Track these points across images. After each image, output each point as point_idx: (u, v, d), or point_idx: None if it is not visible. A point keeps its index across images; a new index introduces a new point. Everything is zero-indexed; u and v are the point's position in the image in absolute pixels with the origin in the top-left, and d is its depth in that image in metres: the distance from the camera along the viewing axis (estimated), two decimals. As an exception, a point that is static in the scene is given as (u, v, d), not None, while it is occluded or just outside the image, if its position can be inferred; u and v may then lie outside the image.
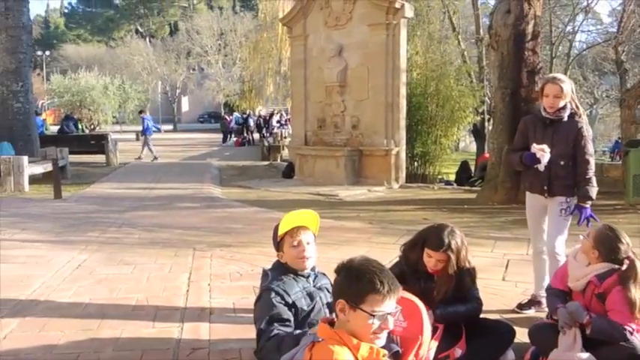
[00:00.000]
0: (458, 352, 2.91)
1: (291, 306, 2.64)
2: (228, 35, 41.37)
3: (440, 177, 14.94)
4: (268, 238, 6.50)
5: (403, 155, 12.29)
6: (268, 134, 26.04)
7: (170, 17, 58.54)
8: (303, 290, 2.72)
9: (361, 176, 12.18)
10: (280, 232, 2.74)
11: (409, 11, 12.08)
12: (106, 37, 57.83)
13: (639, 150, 8.74)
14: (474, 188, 11.54)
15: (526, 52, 9.20)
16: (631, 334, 2.82)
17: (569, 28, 23.51)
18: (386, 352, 2.06)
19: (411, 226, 7.02)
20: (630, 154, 8.77)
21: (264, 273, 2.85)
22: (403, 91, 12.05)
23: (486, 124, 19.51)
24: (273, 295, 2.62)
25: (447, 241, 2.99)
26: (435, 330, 2.84)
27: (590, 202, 3.79)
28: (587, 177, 3.78)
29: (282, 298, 2.62)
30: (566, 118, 3.83)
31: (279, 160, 19.04)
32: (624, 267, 2.96)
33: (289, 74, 19.44)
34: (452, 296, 3.04)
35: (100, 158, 17.56)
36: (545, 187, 3.89)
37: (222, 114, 38.37)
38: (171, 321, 3.90)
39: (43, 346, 3.47)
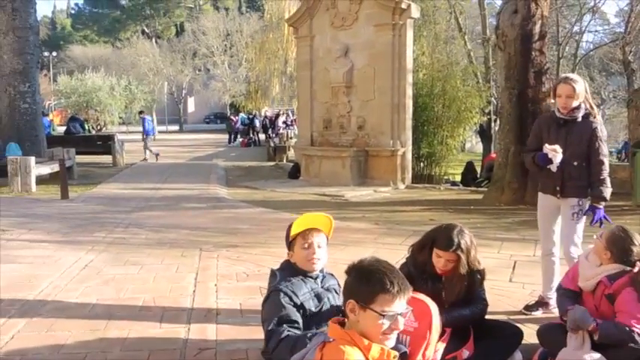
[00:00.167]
0: (465, 353, 2.90)
1: (299, 307, 2.63)
2: (234, 36, 41.42)
3: (446, 178, 14.89)
4: (275, 239, 6.55)
5: (409, 156, 12.28)
6: (274, 135, 26.05)
7: (176, 18, 58.64)
8: (311, 291, 2.71)
9: (367, 177, 12.17)
10: (293, 232, 2.73)
11: (415, 12, 12.07)
12: (113, 38, 57.94)
13: (647, 151, 8.70)
14: (480, 189, 11.51)
15: (533, 53, 9.17)
16: (639, 335, 2.81)
17: (576, 28, 23.45)
18: (397, 353, 2.06)
19: (418, 226, 7.01)
20: (638, 155, 8.73)
21: (272, 273, 2.84)
22: (409, 91, 12.04)
23: (493, 124, 19.49)
24: (281, 295, 2.61)
25: (456, 240, 2.97)
26: (442, 332, 2.83)
27: (603, 203, 3.75)
28: (601, 178, 3.74)
29: (291, 299, 2.62)
30: (580, 119, 3.79)
31: (285, 160, 19.05)
32: (636, 269, 2.95)
33: (295, 75, 19.49)
34: (460, 298, 3.03)
35: (106, 159, 17.63)
36: (558, 188, 3.86)
37: (228, 115, 38.38)
38: (178, 321, 3.90)
39: (50, 346, 3.48)
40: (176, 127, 46.71)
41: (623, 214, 7.93)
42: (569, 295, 3.17)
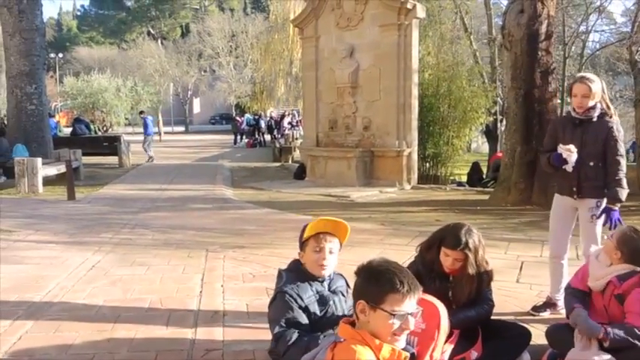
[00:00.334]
0: (474, 354, 2.89)
1: (304, 310, 2.63)
2: (240, 37, 41.50)
3: (452, 178, 14.86)
4: (281, 240, 6.56)
5: (415, 156, 12.25)
6: (280, 135, 26.07)
7: (181, 19, 58.76)
8: (316, 294, 2.70)
9: (373, 177, 12.15)
10: (307, 233, 2.73)
11: (421, 12, 12.04)
12: (118, 40, 58.13)
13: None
14: (486, 189, 11.48)
15: (539, 53, 9.13)
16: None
17: (582, 27, 23.32)
18: (407, 354, 2.05)
19: (424, 227, 7.00)
20: (645, 155, 8.69)
21: (279, 273, 2.84)
22: (415, 91, 12.01)
23: (499, 124, 19.41)
24: (287, 297, 2.62)
25: (464, 239, 2.96)
26: (450, 334, 2.82)
27: (619, 205, 3.71)
28: (617, 178, 3.69)
29: (296, 301, 2.62)
30: (595, 118, 3.74)
31: (290, 161, 19.05)
32: None
33: (300, 75, 19.46)
34: (469, 299, 3.02)
35: (112, 160, 17.67)
36: (575, 189, 3.82)
37: (234, 115, 38.46)
38: (185, 322, 3.90)
39: (57, 347, 3.49)
40: (182, 128, 46.85)
41: (630, 214, 7.88)
42: (577, 294, 3.15)
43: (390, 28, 11.87)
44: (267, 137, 29.15)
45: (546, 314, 3.94)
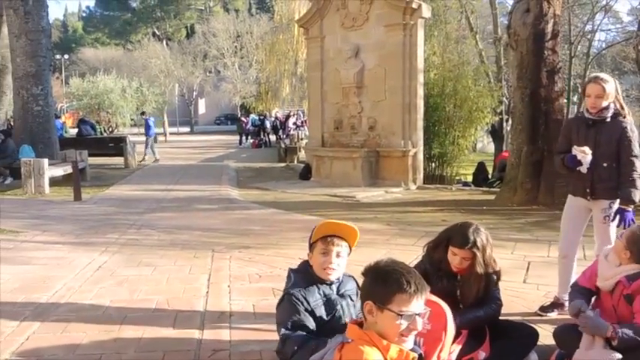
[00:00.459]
0: (482, 355, 2.88)
1: (310, 313, 2.61)
2: (244, 37, 41.55)
3: (458, 178, 14.81)
4: (286, 240, 6.56)
5: (420, 156, 12.23)
6: (285, 136, 26.07)
7: (186, 20, 58.87)
8: (324, 297, 2.68)
9: (378, 178, 12.14)
10: (315, 235, 2.70)
11: (426, 11, 12.02)
12: (124, 41, 58.30)
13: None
14: (492, 189, 11.45)
15: (546, 52, 9.09)
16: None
17: (588, 27, 23.26)
18: (416, 355, 2.05)
19: (430, 227, 6.99)
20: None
21: (289, 274, 2.83)
22: (420, 91, 11.99)
23: (504, 124, 19.37)
24: (293, 299, 2.60)
25: (472, 238, 2.95)
26: (458, 334, 2.81)
27: (632, 206, 3.67)
28: (631, 179, 3.65)
29: (302, 304, 2.60)
30: (609, 119, 3.70)
31: (295, 161, 19.05)
32: None
33: (305, 76, 19.47)
34: (477, 298, 3.01)
35: (118, 160, 17.73)
36: (588, 190, 3.78)
37: (239, 116, 38.52)
38: (192, 322, 3.91)
39: (65, 347, 3.50)
40: (187, 129, 46.94)
41: (637, 214, 7.85)
42: (583, 292, 3.13)
43: (395, 28, 11.85)
44: (273, 137, 29.15)
45: (554, 314, 3.93)
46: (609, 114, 3.70)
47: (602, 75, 3.82)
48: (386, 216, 8.45)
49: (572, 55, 22.50)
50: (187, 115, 48.73)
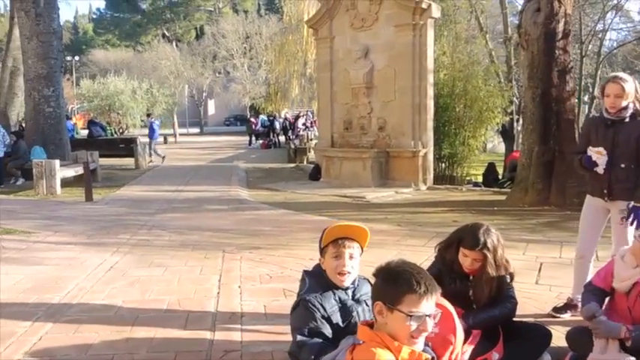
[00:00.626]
0: (495, 356, 2.86)
1: (327, 320, 2.55)
2: (254, 38, 41.60)
3: (468, 178, 14.76)
4: (297, 241, 6.55)
5: (431, 157, 12.20)
6: (294, 136, 26.09)
7: (196, 21, 59.05)
8: (339, 303, 2.60)
9: (388, 178, 12.12)
10: (325, 240, 2.62)
11: (436, 11, 11.99)
12: (134, 42, 58.56)
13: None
14: (503, 190, 11.40)
15: (557, 51, 9.03)
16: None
17: (599, 26, 23.08)
18: (429, 356, 2.04)
19: (440, 228, 6.96)
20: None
21: (303, 277, 2.76)
22: (430, 92, 11.96)
23: (515, 124, 19.27)
24: (310, 306, 2.53)
25: (482, 239, 2.93)
26: (469, 334, 2.79)
27: None
28: None
29: (318, 310, 2.53)
30: (628, 119, 3.66)
31: (305, 162, 19.07)
32: None
33: (315, 76, 19.47)
34: (490, 299, 2.99)
35: (129, 161, 17.82)
36: (606, 191, 3.75)
37: (248, 117, 38.56)
38: (204, 323, 3.92)
39: (77, 347, 3.52)
40: (197, 130, 47.09)
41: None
42: (597, 292, 3.10)
43: (404, 28, 11.82)
44: (282, 138, 29.18)
45: (567, 316, 3.89)
46: (628, 114, 3.66)
47: (622, 74, 3.77)
48: (396, 217, 8.43)
49: (583, 54, 22.35)
50: (197, 116, 48.89)
